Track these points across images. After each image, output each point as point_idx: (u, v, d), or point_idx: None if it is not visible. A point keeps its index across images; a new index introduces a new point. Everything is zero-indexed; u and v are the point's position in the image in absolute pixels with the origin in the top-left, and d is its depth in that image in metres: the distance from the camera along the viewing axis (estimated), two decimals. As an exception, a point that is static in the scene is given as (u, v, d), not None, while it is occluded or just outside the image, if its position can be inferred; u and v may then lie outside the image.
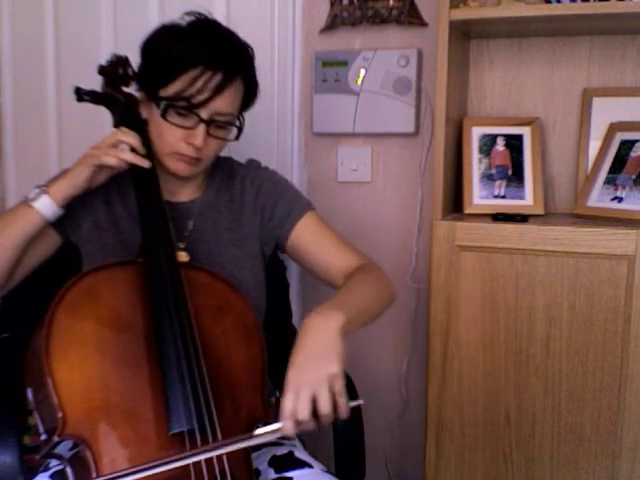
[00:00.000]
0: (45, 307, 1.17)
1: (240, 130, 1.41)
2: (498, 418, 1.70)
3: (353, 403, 1.13)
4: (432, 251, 1.70)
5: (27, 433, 1.50)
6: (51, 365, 1.12)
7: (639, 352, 1.56)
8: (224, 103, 1.33)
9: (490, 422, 1.71)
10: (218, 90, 1.31)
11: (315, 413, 1.08)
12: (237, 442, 1.11)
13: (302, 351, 1.12)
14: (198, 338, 1.19)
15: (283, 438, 1.42)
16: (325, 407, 1.07)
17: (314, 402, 1.07)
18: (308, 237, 1.48)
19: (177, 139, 1.34)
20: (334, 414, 1.09)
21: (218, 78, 1.31)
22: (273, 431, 1.08)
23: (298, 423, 1.07)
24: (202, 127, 1.32)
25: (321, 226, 1.50)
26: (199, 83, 1.30)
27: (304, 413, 1.06)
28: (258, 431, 1.09)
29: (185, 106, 1.31)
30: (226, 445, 1.10)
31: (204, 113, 1.32)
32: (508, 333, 1.67)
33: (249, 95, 1.41)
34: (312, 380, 1.08)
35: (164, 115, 1.32)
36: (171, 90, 1.31)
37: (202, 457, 1.09)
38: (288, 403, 1.07)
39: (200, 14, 1.38)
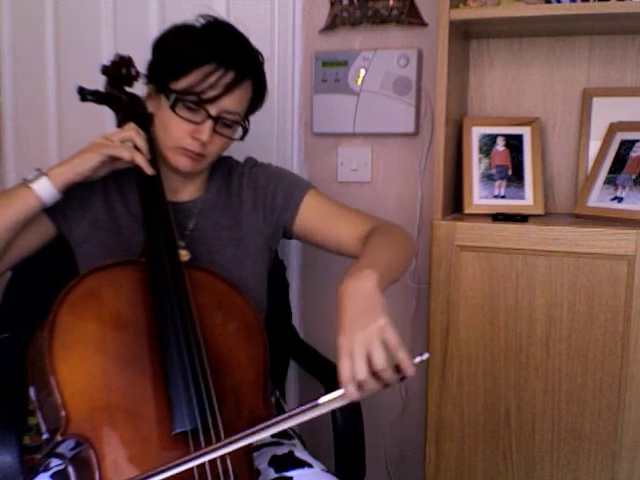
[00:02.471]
0: (46, 307, 1.17)
1: (246, 131, 1.42)
2: (498, 418, 1.70)
3: (418, 359, 1.07)
4: (432, 251, 1.70)
5: (27, 433, 1.50)
6: (54, 364, 1.12)
7: (639, 352, 1.56)
8: (233, 102, 1.34)
9: (490, 422, 1.71)
10: (229, 88, 1.32)
11: (375, 372, 1.04)
12: (302, 413, 1.05)
13: (345, 314, 1.09)
14: (200, 337, 1.20)
15: (286, 435, 1.42)
16: (380, 361, 1.04)
17: (370, 360, 1.04)
18: (314, 216, 1.49)
19: (183, 133, 1.35)
20: (398, 373, 1.05)
21: (230, 76, 1.32)
22: (337, 398, 1.04)
23: (360, 386, 1.04)
24: (209, 123, 1.33)
25: (324, 202, 1.51)
26: (211, 79, 1.31)
27: (362, 373, 1.03)
28: (322, 399, 1.05)
29: (195, 101, 1.32)
30: (288, 419, 1.06)
31: (213, 109, 1.33)
32: (508, 333, 1.67)
33: (257, 98, 1.43)
34: (362, 337, 1.05)
35: (173, 108, 1.33)
36: (182, 84, 1.32)
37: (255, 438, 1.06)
38: (344, 367, 1.04)
39: (214, 17, 1.40)
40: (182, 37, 1.37)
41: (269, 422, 1.05)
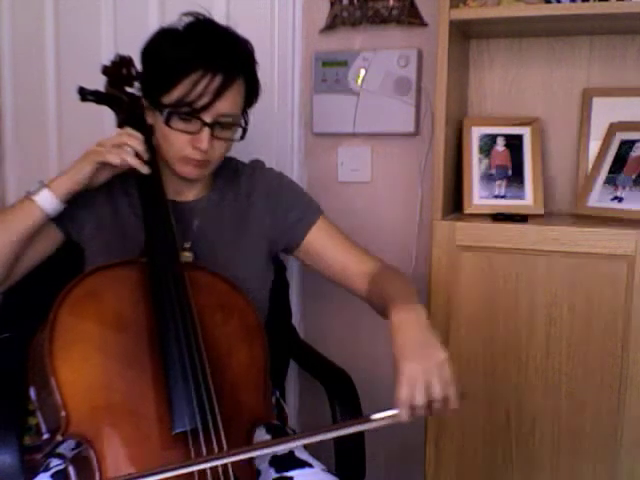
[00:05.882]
0: (47, 307, 1.18)
1: (245, 129, 1.41)
2: (498, 418, 1.70)
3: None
4: (432, 251, 1.70)
5: (27, 433, 1.50)
6: (54, 364, 1.12)
7: (639, 352, 1.56)
8: (226, 105, 1.33)
9: (490, 422, 1.71)
10: (219, 93, 1.31)
11: (427, 400, 1.11)
12: (348, 426, 1.15)
13: (406, 344, 1.16)
14: (200, 337, 1.20)
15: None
16: (438, 393, 1.10)
17: (427, 389, 1.10)
18: (322, 242, 1.50)
19: (183, 144, 1.34)
20: (445, 403, 1.12)
21: (218, 81, 1.30)
22: (390, 417, 1.11)
23: (413, 410, 1.10)
24: (206, 130, 1.32)
25: (333, 230, 1.52)
26: (199, 88, 1.29)
27: (420, 400, 1.09)
28: (375, 416, 1.12)
29: (187, 111, 1.31)
30: (336, 430, 1.16)
31: (207, 117, 1.32)
32: (508, 333, 1.66)
33: (251, 92, 1.41)
34: (424, 368, 1.11)
35: (167, 122, 1.33)
36: (172, 97, 1.31)
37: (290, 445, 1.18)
38: (404, 391, 1.10)
39: (197, 15, 1.37)
40: (164, 47, 1.35)
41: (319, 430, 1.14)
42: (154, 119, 1.38)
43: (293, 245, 1.51)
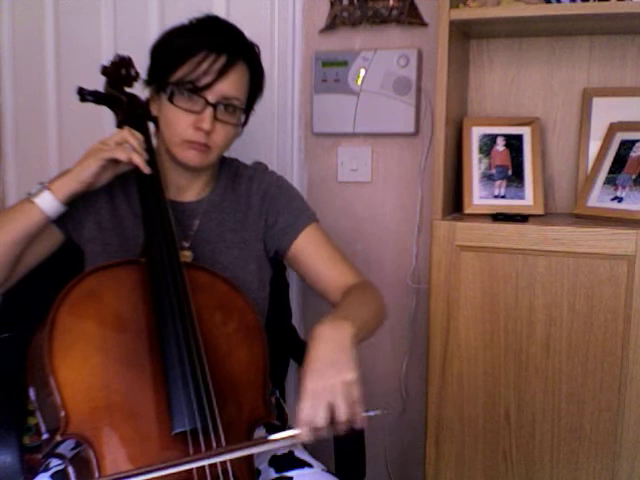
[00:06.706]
0: (47, 307, 1.17)
1: (248, 115, 1.43)
2: (498, 418, 1.70)
3: (369, 413, 1.11)
4: (432, 251, 1.70)
5: (27, 433, 1.50)
6: (53, 364, 1.12)
7: (639, 352, 1.56)
8: (229, 86, 1.35)
9: (490, 422, 1.71)
10: (222, 72, 1.33)
11: (331, 421, 1.07)
12: (251, 447, 1.12)
13: (318, 359, 1.12)
14: (200, 338, 1.20)
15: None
16: (342, 414, 1.07)
17: (331, 409, 1.07)
18: (309, 249, 1.49)
19: (186, 126, 1.35)
20: (349, 423, 1.08)
21: (222, 61, 1.33)
22: (289, 437, 1.08)
23: (314, 430, 1.07)
24: (209, 110, 1.34)
25: (322, 239, 1.51)
26: (204, 66, 1.32)
27: (321, 420, 1.06)
28: (274, 436, 1.09)
29: (191, 89, 1.33)
30: (238, 450, 1.11)
31: (210, 96, 1.33)
32: (508, 333, 1.67)
33: (255, 83, 1.43)
34: (330, 387, 1.08)
35: (171, 99, 1.34)
36: (177, 76, 1.34)
37: (214, 460, 1.09)
38: (306, 410, 1.06)
39: (206, 13, 1.41)
40: (173, 35, 1.39)
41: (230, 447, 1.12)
42: (158, 106, 1.39)
43: (282, 251, 1.51)
